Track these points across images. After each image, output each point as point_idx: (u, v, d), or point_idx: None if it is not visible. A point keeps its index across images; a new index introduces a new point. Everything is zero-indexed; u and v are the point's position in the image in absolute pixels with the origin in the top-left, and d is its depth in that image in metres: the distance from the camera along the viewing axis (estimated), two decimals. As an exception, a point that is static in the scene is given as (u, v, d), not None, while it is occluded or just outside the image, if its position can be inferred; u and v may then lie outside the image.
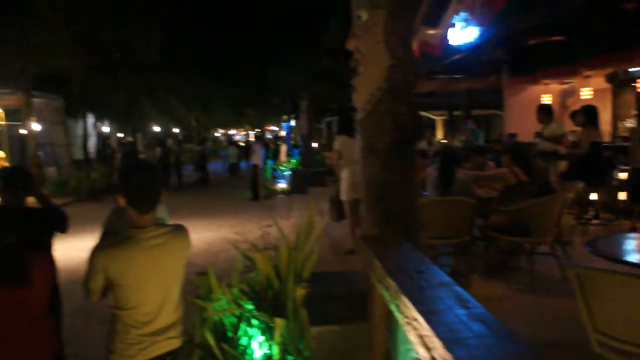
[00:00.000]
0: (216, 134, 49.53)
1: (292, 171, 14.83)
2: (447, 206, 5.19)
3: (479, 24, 6.25)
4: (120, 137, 29.40)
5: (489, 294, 4.66)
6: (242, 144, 28.78)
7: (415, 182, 3.42)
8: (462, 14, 6.37)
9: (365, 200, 3.49)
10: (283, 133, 33.75)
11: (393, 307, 2.01)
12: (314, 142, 16.53)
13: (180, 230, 2.49)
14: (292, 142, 22.72)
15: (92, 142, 24.63)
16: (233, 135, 48.93)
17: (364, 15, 3.27)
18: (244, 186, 15.11)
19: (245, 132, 48.93)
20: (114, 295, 2.34)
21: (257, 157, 13.54)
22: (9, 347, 2.52)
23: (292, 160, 16.38)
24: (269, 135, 34.55)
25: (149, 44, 16.33)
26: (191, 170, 21.07)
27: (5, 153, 15.33)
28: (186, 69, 21.81)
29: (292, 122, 27.16)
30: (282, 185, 14.61)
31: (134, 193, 2.29)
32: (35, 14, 11.72)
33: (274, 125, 43.88)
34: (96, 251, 2.30)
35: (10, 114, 16.00)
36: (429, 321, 1.55)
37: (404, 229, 3.19)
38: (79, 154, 22.92)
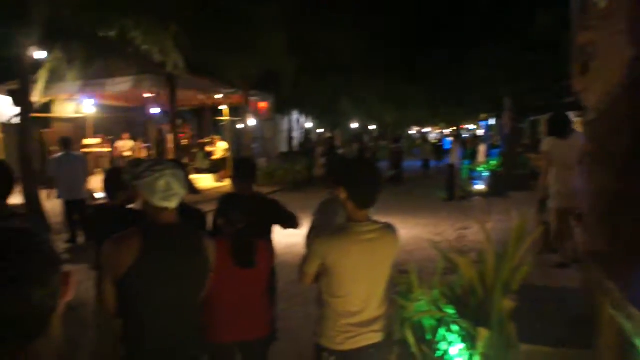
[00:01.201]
0: (410, 132, 49.66)
1: (490, 173, 14.06)
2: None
3: None
4: (320, 133, 31.42)
5: None
6: (435, 142, 28.32)
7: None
8: None
9: (590, 211, 3.09)
10: (480, 132, 32.28)
11: (639, 342, 1.73)
12: (517, 142, 15.42)
13: (391, 229, 2.54)
14: (490, 141, 21.56)
15: (295, 137, 26.86)
16: (427, 133, 48.52)
17: (602, 3, 2.89)
18: (438, 185, 14.83)
19: (439, 130, 48.10)
20: (326, 282, 2.48)
21: (455, 157, 13.11)
22: (241, 317, 2.85)
23: (491, 162, 15.50)
24: (464, 134, 33.36)
25: (352, 46, 17.12)
26: (385, 167, 21.49)
27: (228, 145, 17.60)
28: (384, 68, 22.32)
29: (491, 121, 25.76)
30: (479, 187, 13.97)
31: (357, 188, 2.38)
32: (256, 24, 13.18)
33: (470, 123, 42.30)
34: (316, 238, 2.47)
35: (231, 111, 18.29)
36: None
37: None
38: (283, 147, 25.21)
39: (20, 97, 9.25)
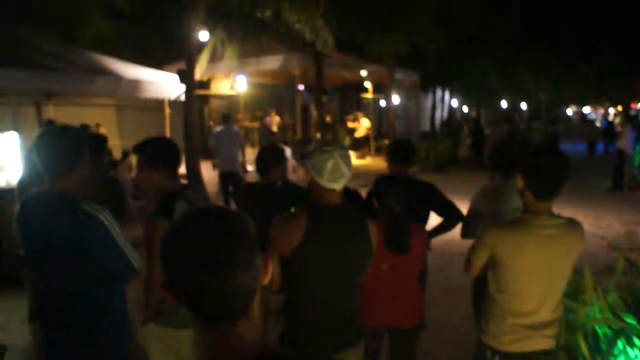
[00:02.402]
0: (567, 111, 45.02)
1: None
2: None
3: None
4: (464, 112, 29.96)
5: None
6: (597, 123, 25.28)
7: None
8: None
9: None
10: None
11: None
12: None
13: (575, 225, 2.27)
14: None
15: (438, 115, 25.91)
16: (588, 113, 43.56)
17: None
18: (601, 172, 13.28)
19: (602, 110, 42.90)
20: (495, 276, 2.31)
21: (626, 141, 11.34)
22: (392, 304, 2.78)
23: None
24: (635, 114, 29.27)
25: (506, 16, 15.90)
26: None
27: (371, 123, 17.58)
28: (542, 41, 20.41)
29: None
30: (656, 176, 12.13)
31: (536, 178, 2.15)
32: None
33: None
34: (487, 228, 2.28)
35: (375, 88, 18.15)
36: None
37: None
38: (425, 126, 24.51)
39: (186, 76, 10.11)
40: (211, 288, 0.93)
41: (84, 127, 8.81)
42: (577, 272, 3.43)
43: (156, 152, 2.49)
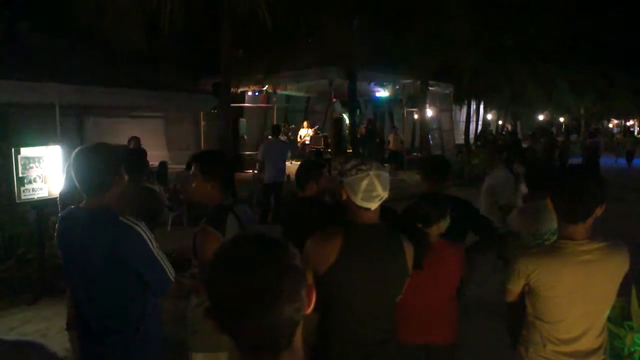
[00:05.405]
0: (609, 125, 43.38)
1: None
2: None
3: None
4: (500, 125, 29.33)
5: None
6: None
7: None
8: None
9: None
10: None
11: None
12: None
13: (618, 247, 2.14)
14: None
15: (472, 128, 25.39)
16: (630, 126, 41.92)
17: None
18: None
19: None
20: (533, 303, 2.21)
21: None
22: (424, 320, 2.72)
23: None
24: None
25: (547, 28, 15.60)
26: (575, 164, 18.92)
27: (404, 136, 17.40)
28: (581, 53, 19.90)
29: None
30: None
31: (562, 199, 2.05)
32: (446, 12, 12.70)
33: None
34: (521, 255, 2.20)
35: (408, 101, 18.00)
36: None
37: None
38: (459, 139, 24.05)
39: (221, 90, 10.28)
40: (255, 320, 0.91)
41: (136, 140, 8.91)
42: (622, 294, 3.29)
43: (212, 163, 2.58)
